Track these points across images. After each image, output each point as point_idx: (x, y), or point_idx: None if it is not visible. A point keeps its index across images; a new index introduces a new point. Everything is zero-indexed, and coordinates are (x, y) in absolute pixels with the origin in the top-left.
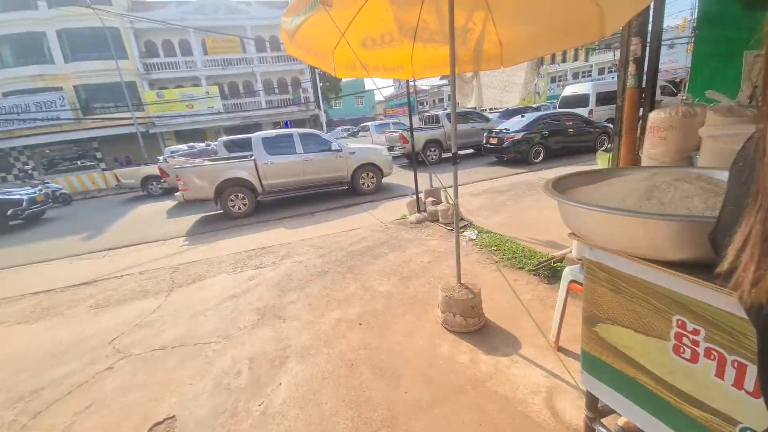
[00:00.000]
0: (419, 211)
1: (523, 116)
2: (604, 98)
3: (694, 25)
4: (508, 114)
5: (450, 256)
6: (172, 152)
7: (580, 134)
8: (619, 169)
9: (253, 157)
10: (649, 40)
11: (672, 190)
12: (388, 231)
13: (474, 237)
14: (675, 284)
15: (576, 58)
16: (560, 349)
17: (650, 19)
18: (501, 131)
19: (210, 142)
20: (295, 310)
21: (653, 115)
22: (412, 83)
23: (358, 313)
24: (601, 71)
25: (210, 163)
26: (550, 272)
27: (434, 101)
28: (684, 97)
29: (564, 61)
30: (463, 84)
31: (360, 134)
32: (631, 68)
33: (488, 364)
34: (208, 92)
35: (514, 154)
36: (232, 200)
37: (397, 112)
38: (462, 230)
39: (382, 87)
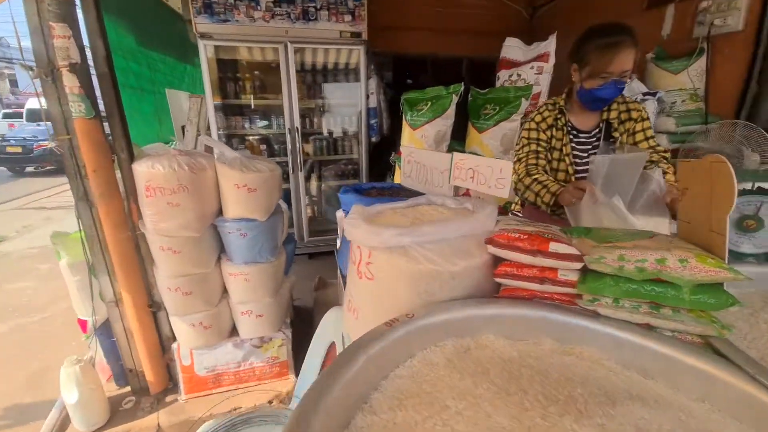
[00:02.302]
0: None
1: (39, 125)
2: None
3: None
4: None
5: None
6: None
7: None
8: None
9: None
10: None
11: None
12: None
13: None
14: None
15: None
16: None
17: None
18: (24, 139)
19: None
20: None
21: (143, 169)
22: None
23: None
24: None
25: None
26: None
27: None
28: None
29: None
30: None
31: None
32: (69, 80)
33: None
34: None
35: (52, 163)
36: None
37: None
38: None
39: None
